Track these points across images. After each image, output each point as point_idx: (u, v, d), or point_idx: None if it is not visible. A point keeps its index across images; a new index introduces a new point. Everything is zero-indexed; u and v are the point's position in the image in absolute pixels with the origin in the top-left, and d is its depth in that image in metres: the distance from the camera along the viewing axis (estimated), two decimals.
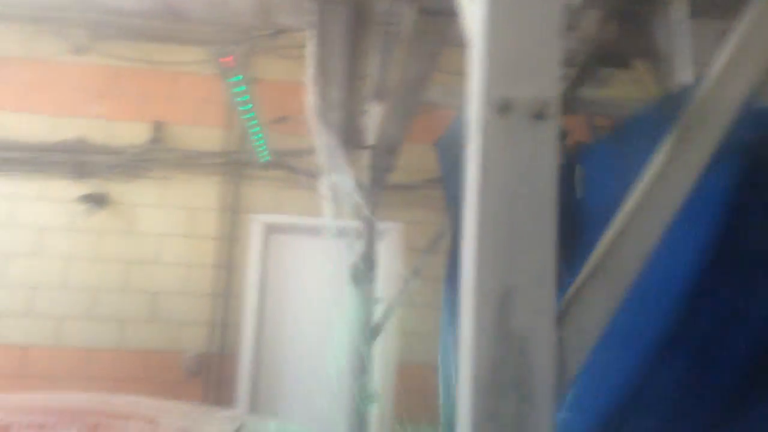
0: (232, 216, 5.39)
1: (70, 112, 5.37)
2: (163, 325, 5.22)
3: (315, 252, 5.38)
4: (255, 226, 5.42)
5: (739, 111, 0.99)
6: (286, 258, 5.55)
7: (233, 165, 5.42)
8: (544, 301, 0.90)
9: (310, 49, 1.78)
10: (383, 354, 5.09)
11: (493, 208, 0.91)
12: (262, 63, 5.43)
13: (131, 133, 5.39)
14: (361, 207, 3.90)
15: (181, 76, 5.50)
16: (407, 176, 5.10)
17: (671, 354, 1.52)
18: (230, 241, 5.37)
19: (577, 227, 1.80)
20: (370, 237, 3.87)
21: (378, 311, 3.96)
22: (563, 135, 2.44)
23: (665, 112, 1.21)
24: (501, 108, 0.91)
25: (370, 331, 3.87)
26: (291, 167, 5.40)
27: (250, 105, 4.33)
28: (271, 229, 5.52)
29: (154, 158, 5.35)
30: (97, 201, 5.23)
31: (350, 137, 2.83)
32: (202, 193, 5.39)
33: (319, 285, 5.37)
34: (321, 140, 2.59)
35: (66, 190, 5.24)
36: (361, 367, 3.84)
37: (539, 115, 0.91)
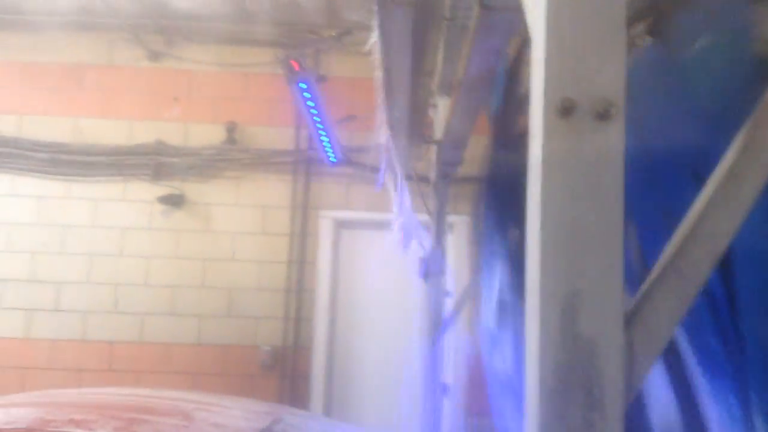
0: (303, 213, 5.48)
1: (147, 116, 5.57)
2: (238, 320, 5.37)
3: (385, 246, 5.41)
4: (325, 223, 5.50)
5: None
6: (356, 253, 5.61)
7: (303, 163, 5.51)
8: (612, 304, 0.88)
9: (376, 48, 1.79)
10: (454, 347, 5.08)
11: (558, 211, 0.89)
12: (330, 61, 5.50)
13: (206, 135, 5.55)
14: (429, 201, 3.90)
15: (252, 77, 5.62)
16: (475, 169, 5.04)
17: None
18: (302, 237, 5.46)
19: None
20: (438, 231, 3.86)
21: (448, 304, 3.96)
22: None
23: None
24: (564, 109, 0.89)
25: (441, 325, 3.87)
26: (359, 163, 5.44)
27: (318, 105, 4.38)
28: (341, 225, 5.58)
29: (227, 158, 5.49)
30: (175, 201, 5.42)
31: (417, 132, 2.84)
32: (273, 192, 5.51)
33: (389, 279, 5.41)
34: (388, 137, 2.60)
35: (145, 191, 5.46)
36: (433, 360, 3.85)
37: (603, 116, 0.89)
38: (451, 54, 2.93)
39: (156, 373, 5.28)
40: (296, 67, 3.81)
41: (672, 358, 1.39)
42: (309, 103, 4.22)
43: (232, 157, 5.50)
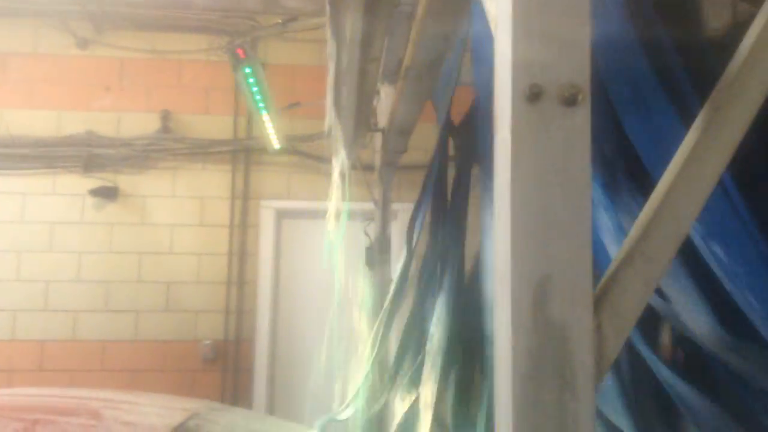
0: (243, 203, 5.40)
1: (77, 106, 5.36)
2: (178, 314, 5.25)
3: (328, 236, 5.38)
4: (266, 213, 5.43)
5: None
6: (298, 243, 5.56)
7: (243, 152, 5.41)
8: (581, 288, 0.89)
9: (328, 33, 1.77)
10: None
11: (526, 197, 0.90)
12: (267, 48, 5.41)
13: (139, 124, 5.38)
14: (374, 189, 3.89)
15: (186, 65, 5.48)
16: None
17: None
18: (242, 228, 5.38)
19: None
20: (383, 219, 3.87)
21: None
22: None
23: None
24: (531, 95, 0.89)
25: (386, 313, 3.88)
26: (301, 152, 5.39)
27: (261, 92, 4.30)
28: (283, 215, 5.52)
29: (163, 148, 5.34)
30: (108, 194, 5.24)
31: (364, 120, 2.82)
32: (212, 182, 5.39)
33: (332, 269, 5.38)
34: (334, 124, 2.58)
35: (76, 184, 5.26)
36: (378, 348, 3.85)
37: (571, 102, 0.89)
38: (394, 41, 2.92)
39: (91, 371, 5.12)
40: (242, 54, 3.73)
41: None
42: (254, 89, 4.14)
43: (167, 147, 5.35)
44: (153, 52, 5.44)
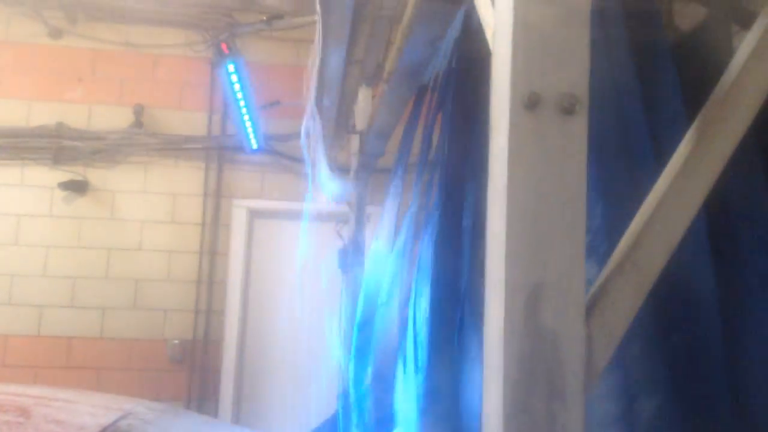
0: (216, 201, 5.34)
1: (48, 97, 5.25)
2: (146, 312, 5.17)
3: (300, 237, 5.35)
4: (238, 212, 5.37)
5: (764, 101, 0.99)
6: (270, 243, 5.52)
7: (216, 149, 5.36)
8: (573, 297, 0.90)
9: (316, 35, 1.75)
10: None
11: (521, 205, 0.90)
12: (246, 45, 5.36)
13: (111, 118, 5.29)
14: (349, 192, 3.88)
15: (161, 59, 5.40)
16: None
17: None
18: (213, 226, 5.32)
19: None
20: (358, 221, 3.86)
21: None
22: None
23: None
24: (530, 103, 0.90)
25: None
26: (276, 152, 5.35)
27: (245, 89, 4.27)
28: (255, 214, 5.47)
29: (135, 143, 5.25)
30: (77, 187, 5.14)
31: (343, 122, 2.81)
32: (184, 179, 5.32)
33: (304, 270, 5.35)
34: (313, 125, 2.57)
35: (45, 176, 5.14)
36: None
37: (569, 111, 0.90)
38: (375, 45, 2.92)
39: (54, 368, 5.01)
40: (225, 49, 3.69)
41: None
42: (235, 86, 4.10)
43: (139, 142, 5.27)
44: (127, 45, 5.36)
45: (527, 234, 0.90)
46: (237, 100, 4.40)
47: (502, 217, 0.91)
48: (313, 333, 5.22)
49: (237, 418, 5.27)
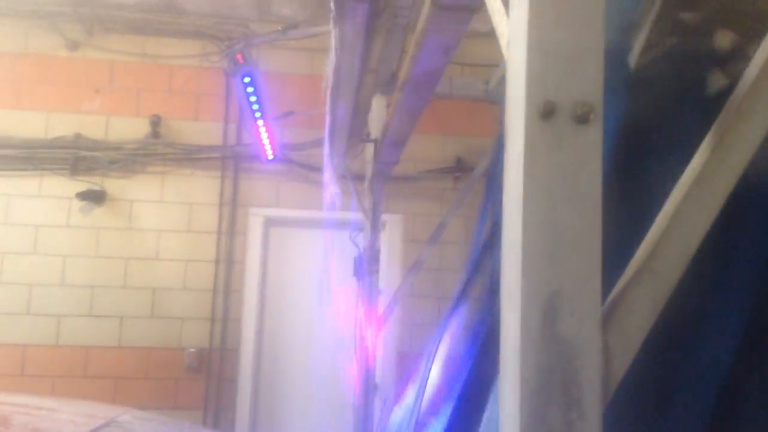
0: (232, 210, 5.36)
1: (65, 108, 5.31)
2: (163, 321, 5.20)
3: (316, 245, 5.37)
4: (254, 220, 5.40)
5: None
6: (286, 252, 5.54)
7: (232, 159, 5.39)
8: (590, 306, 0.89)
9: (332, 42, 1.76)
10: (385, 345, 5.10)
11: (537, 214, 0.90)
12: (261, 55, 5.40)
13: (129, 129, 5.34)
14: (364, 199, 3.89)
15: (177, 70, 5.45)
16: (409, 167, 5.09)
17: None
18: (230, 235, 5.34)
19: None
20: (373, 229, 3.86)
21: (381, 303, 3.97)
22: None
23: None
24: (545, 112, 0.90)
25: (374, 323, 3.87)
26: (291, 160, 5.38)
27: (261, 100, 4.29)
28: (271, 223, 5.49)
29: (152, 153, 5.30)
30: (95, 197, 5.19)
31: (358, 131, 2.82)
32: (200, 188, 5.36)
33: (320, 278, 5.37)
34: (329, 133, 2.57)
35: (63, 187, 5.20)
36: (365, 358, 3.84)
37: (583, 119, 0.90)
38: (389, 53, 2.92)
39: (73, 377, 5.05)
40: (241, 59, 3.72)
41: None
42: (252, 97, 4.12)
43: (156, 152, 5.32)
44: (144, 56, 5.41)
45: (543, 243, 0.89)
46: (252, 110, 4.41)
47: (517, 226, 0.91)
48: (329, 341, 5.23)
49: (254, 426, 5.28)
